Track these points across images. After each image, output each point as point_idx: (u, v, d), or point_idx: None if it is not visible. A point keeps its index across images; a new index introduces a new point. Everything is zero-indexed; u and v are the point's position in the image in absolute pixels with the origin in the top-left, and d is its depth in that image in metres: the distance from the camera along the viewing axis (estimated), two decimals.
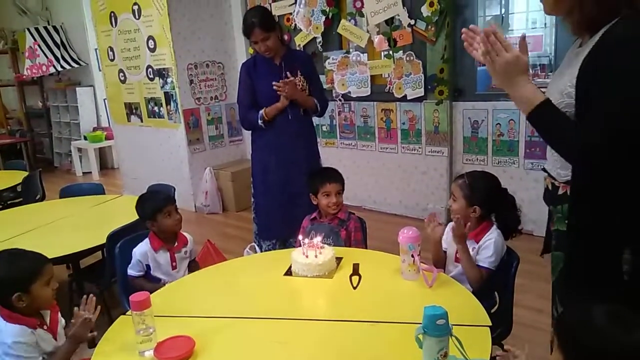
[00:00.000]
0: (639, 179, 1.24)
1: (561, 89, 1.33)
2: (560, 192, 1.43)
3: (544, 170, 1.52)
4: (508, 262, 1.92)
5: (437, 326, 1.19)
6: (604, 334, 0.98)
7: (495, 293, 1.98)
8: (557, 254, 1.50)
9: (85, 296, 1.71)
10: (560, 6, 1.32)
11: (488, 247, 1.89)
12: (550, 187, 1.48)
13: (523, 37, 1.36)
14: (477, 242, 1.92)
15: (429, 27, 3.84)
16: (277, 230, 2.99)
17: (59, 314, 1.75)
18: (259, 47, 2.78)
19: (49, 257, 2.34)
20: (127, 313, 1.64)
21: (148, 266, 2.24)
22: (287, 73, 2.83)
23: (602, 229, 1.29)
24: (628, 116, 1.18)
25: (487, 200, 1.93)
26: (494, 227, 1.94)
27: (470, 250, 1.91)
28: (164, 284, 2.17)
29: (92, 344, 2.40)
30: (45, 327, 1.65)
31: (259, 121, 2.86)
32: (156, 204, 2.26)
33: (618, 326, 0.99)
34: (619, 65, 1.19)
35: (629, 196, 1.26)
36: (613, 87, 1.19)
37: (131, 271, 2.23)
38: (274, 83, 2.77)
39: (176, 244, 2.30)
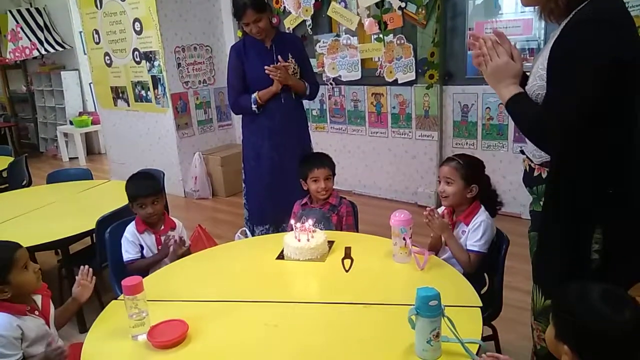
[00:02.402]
0: (609, 160, 1.28)
1: (534, 72, 1.38)
2: (536, 173, 1.47)
3: (522, 152, 1.55)
4: (498, 244, 1.95)
5: (429, 307, 1.20)
6: (597, 312, 1.02)
7: (485, 275, 2.01)
8: (533, 234, 1.54)
9: (82, 266, 1.79)
10: None
11: (477, 230, 1.90)
12: (527, 169, 1.52)
13: (514, 46, 1.44)
14: (467, 224, 1.94)
15: (420, 10, 3.81)
16: (270, 215, 2.98)
17: (51, 301, 1.73)
18: (251, 29, 2.73)
19: (37, 243, 2.34)
20: (120, 298, 1.64)
21: (142, 246, 2.21)
22: (279, 57, 2.80)
23: (573, 209, 1.32)
24: (589, 95, 1.22)
25: (481, 178, 1.97)
26: (482, 208, 1.96)
27: (461, 233, 1.93)
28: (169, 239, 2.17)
29: (83, 328, 2.41)
30: (36, 312, 1.63)
31: (253, 106, 2.83)
32: (132, 192, 2.22)
33: (610, 305, 1.02)
34: (576, 47, 1.24)
35: (599, 176, 1.29)
36: (572, 69, 1.24)
37: (128, 255, 2.18)
38: (265, 67, 2.74)
39: (162, 227, 2.27)
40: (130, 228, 2.22)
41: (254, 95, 2.82)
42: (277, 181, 2.91)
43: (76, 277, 1.79)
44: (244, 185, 3.12)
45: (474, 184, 1.94)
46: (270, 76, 2.75)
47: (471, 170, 1.95)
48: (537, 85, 1.36)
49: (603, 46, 1.21)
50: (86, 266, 1.80)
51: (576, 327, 1.05)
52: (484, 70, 1.43)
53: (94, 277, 1.81)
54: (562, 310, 1.09)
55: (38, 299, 1.68)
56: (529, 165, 1.50)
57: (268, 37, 2.83)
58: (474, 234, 1.91)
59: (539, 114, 1.32)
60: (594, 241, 1.31)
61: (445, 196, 1.96)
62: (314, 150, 3.12)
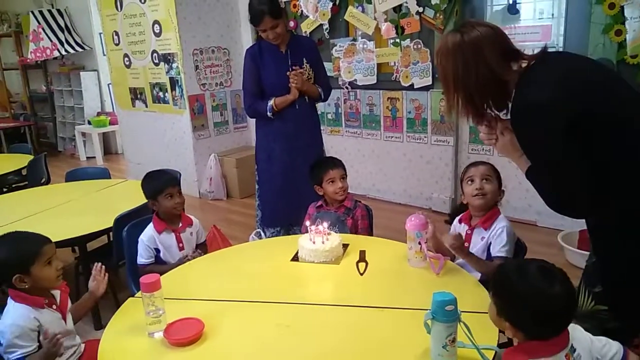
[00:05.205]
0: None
1: None
2: None
3: None
4: (515, 252, 1.92)
5: (446, 312, 1.20)
6: (532, 284, 1.12)
7: None
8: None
9: (96, 263, 1.84)
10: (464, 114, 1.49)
11: (501, 236, 1.84)
12: None
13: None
14: (486, 229, 1.89)
15: (438, 15, 3.80)
16: (281, 217, 2.99)
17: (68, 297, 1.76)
18: (267, 35, 2.74)
19: (56, 240, 2.36)
20: (137, 295, 1.66)
21: (157, 250, 2.22)
22: (292, 67, 2.80)
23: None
24: (563, 165, 1.30)
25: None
26: (502, 214, 1.92)
27: (480, 239, 1.90)
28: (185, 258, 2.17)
29: (99, 325, 2.44)
30: (54, 306, 1.66)
31: (269, 113, 2.84)
32: (158, 184, 2.24)
33: (544, 279, 1.13)
34: (524, 133, 1.37)
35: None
36: (534, 153, 1.38)
37: (141, 259, 2.19)
38: (289, 74, 2.75)
39: (180, 224, 2.29)
40: (148, 231, 2.22)
41: (270, 102, 2.82)
42: (289, 184, 2.91)
43: (92, 271, 1.84)
44: (257, 186, 3.13)
45: (503, 188, 1.95)
46: (291, 85, 2.77)
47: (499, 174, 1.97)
48: None
49: (542, 127, 1.30)
50: (99, 264, 1.84)
51: (513, 304, 1.15)
52: (495, 147, 1.56)
53: (107, 274, 1.85)
54: (502, 288, 1.18)
55: (57, 294, 1.70)
56: None
57: (283, 42, 2.83)
58: (498, 239, 1.85)
59: (544, 190, 1.39)
60: None
61: (483, 194, 1.88)
62: (327, 154, 3.13)
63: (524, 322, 1.14)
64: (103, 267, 1.84)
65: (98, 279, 1.81)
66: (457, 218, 2.02)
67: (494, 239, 1.87)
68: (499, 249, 1.84)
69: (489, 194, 1.90)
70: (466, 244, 1.89)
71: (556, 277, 1.13)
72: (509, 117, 1.46)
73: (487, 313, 1.43)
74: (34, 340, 1.57)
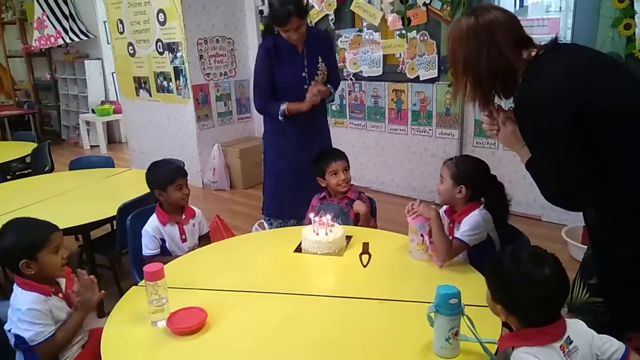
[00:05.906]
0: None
1: None
2: None
3: None
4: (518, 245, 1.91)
5: (449, 305, 1.20)
6: (521, 267, 1.14)
7: None
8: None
9: (79, 271, 1.68)
10: (471, 98, 1.47)
11: (466, 222, 1.80)
12: None
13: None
14: (459, 223, 1.84)
15: (445, 6, 3.77)
16: (288, 210, 2.97)
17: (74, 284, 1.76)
18: (290, 36, 2.63)
19: (60, 227, 2.38)
20: (140, 284, 1.66)
21: (163, 240, 2.20)
22: (311, 81, 2.76)
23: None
24: (560, 161, 1.30)
25: (474, 180, 1.85)
26: (479, 209, 1.84)
27: (455, 231, 1.87)
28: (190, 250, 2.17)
29: (102, 313, 2.44)
30: (60, 294, 1.67)
31: (280, 117, 2.77)
32: (169, 174, 2.22)
33: (534, 262, 1.13)
34: (527, 125, 1.36)
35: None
36: (536, 145, 1.36)
37: (147, 251, 2.17)
38: (308, 94, 2.72)
39: (183, 216, 2.27)
40: (153, 222, 2.20)
41: (283, 107, 2.75)
42: (297, 180, 2.87)
43: (75, 282, 1.67)
44: (264, 178, 3.11)
45: (462, 185, 1.85)
46: (309, 97, 2.72)
47: (461, 171, 1.86)
48: None
49: (546, 121, 1.28)
50: (83, 272, 1.68)
51: (504, 287, 1.17)
52: (497, 139, 1.55)
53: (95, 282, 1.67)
54: (494, 272, 1.20)
55: (62, 282, 1.71)
56: None
57: (301, 40, 2.73)
58: (462, 225, 1.81)
59: (543, 182, 1.38)
60: None
61: (439, 193, 1.95)
62: (333, 146, 3.11)
63: (515, 305, 1.15)
64: (89, 277, 1.66)
65: (79, 284, 1.64)
66: (443, 209, 1.98)
67: (462, 226, 1.81)
68: (460, 233, 1.79)
69: (441, 193, 1.92)
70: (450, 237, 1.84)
71: (546, 262, 1.13)
72: (511, 107, 1.45)
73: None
74: (51, 320, 1.59)
